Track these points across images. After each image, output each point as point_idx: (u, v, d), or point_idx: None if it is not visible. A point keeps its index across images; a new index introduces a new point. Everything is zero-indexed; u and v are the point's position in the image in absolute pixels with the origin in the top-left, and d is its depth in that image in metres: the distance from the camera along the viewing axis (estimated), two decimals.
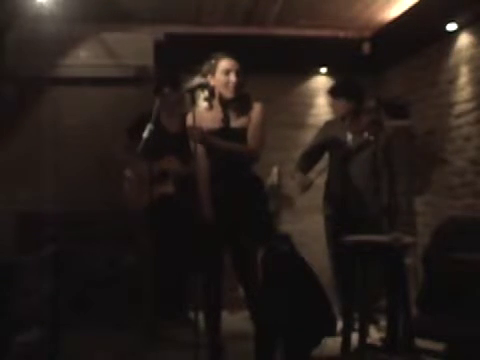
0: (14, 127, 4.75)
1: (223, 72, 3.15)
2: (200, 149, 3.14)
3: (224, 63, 3.16)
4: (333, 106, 4.18)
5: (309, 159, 4.19)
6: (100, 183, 4.63)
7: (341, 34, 5.04)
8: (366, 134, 3.94)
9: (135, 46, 4.76)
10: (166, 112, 3.98)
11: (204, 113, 3.20)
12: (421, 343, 3.17)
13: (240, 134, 3.15)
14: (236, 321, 4.10)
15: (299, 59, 5.06)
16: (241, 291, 4.01)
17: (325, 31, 5.01)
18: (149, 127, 3.43)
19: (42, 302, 2.94)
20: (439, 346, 3.03)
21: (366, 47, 5.06)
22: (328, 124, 4.25)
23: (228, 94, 3.16)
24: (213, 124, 3.16)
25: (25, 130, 4.78)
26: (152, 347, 3.62)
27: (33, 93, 4.84)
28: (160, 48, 4.77)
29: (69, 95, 4.85)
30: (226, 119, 3.17)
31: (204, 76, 3.19)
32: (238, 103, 3.18)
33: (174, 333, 3.82)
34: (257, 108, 3.20)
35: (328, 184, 4.16)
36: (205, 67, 3.20)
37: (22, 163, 4.68)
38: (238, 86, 3.15)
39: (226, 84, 3.14)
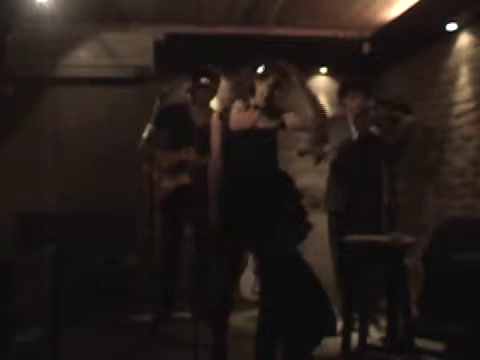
0: (14, 127, 4.76)
1: (270, 86, 3.14)
2: (217, 148, 3.17)
3: (277, 80, 3.14)
4: (347, 104, 4.11)
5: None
6: (100, 183, 4.64)
7: (341, 34, 5.04)
8: (373, 129, 3.95)
9: (135, 46, 4.76)
10: (197, 105, 3.96)
11: (236, 113, 3.21)
12: (421, 343, 3.17)
13: (267, 135, 3.18)
14: (237, 321, 4.10)
15: (299, 59, 5.02)
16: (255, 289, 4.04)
17: (325, 31, 5.00)
18: (149, 127, 3.43)
19: (42, 302, 2.94)
20: (439, 346, 3.03)
21: (366, 47, 5.06)
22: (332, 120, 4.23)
23: (262, 104, 3.18)
24: (243, 124, 3.17)
25: (25, 130, 4.79)
26: (152, 347, 3.62)
27: (33, 93, 4.85)
28: (160, 48, 4.77)
29: (69, 95, 4.85)
30: (256, 121, 3.18)
31: (257, 77, 3.16)
32: (270, 107, 3.20)
33: (174, 333, 3.82)
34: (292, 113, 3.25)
35: (332, 180, 4.14)
36: (261, 70, 3.16)
37: (22, 163, 4.69)
38: (270, 102, 3.17)
39: (269, 96, 3.16)
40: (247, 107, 3.19)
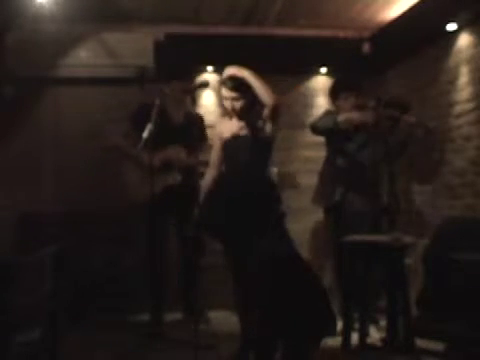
0: (14, 127, 4.75)
1: (224, 98, 3.30)
2: (216, 156, 3.37)
3: (223, 91, 3.28)
4: (340, 105, 4.09)
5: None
6: (100, 183, 4.63)
7: (341, 34, 5.04)
8: (371, 129, 3.95)
9: (135, 46, 4.75)
10: (172, 103, 4.00)
11: (225, 121, 3.42)
12: (421, 343, 3.18)
13: (249, 141, 3.28)
14: (236, 321, 4.09)
15: (299, 59, 5.05)
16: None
17: (325, 31, 5.01)
18: (149, 127, 3.43)
19: (42, 302, 2.94)
20: (439, 346, 3.03)
21: (366, 47, 5.06)
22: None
23: (233, 115, 3.32)
24: (229, 133, 3.34)
25: (25, 130, 4.78)
26: (152, 347, 3.62)
27: (33, 93, 4.84)
28: (160, 48, 4.77)
29: (69, 95, 4.85)
30: (239, 129, 3.32)
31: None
32: (252, 114, 3.30)
33: (174, 333, 3.82)
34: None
35: (326, 175, 4.12)
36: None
37: (22, 163, 4.68)
38: (240, 111, 3.27)
39: (229, 108, 3.30)
40: (229, 118, 3.37)
